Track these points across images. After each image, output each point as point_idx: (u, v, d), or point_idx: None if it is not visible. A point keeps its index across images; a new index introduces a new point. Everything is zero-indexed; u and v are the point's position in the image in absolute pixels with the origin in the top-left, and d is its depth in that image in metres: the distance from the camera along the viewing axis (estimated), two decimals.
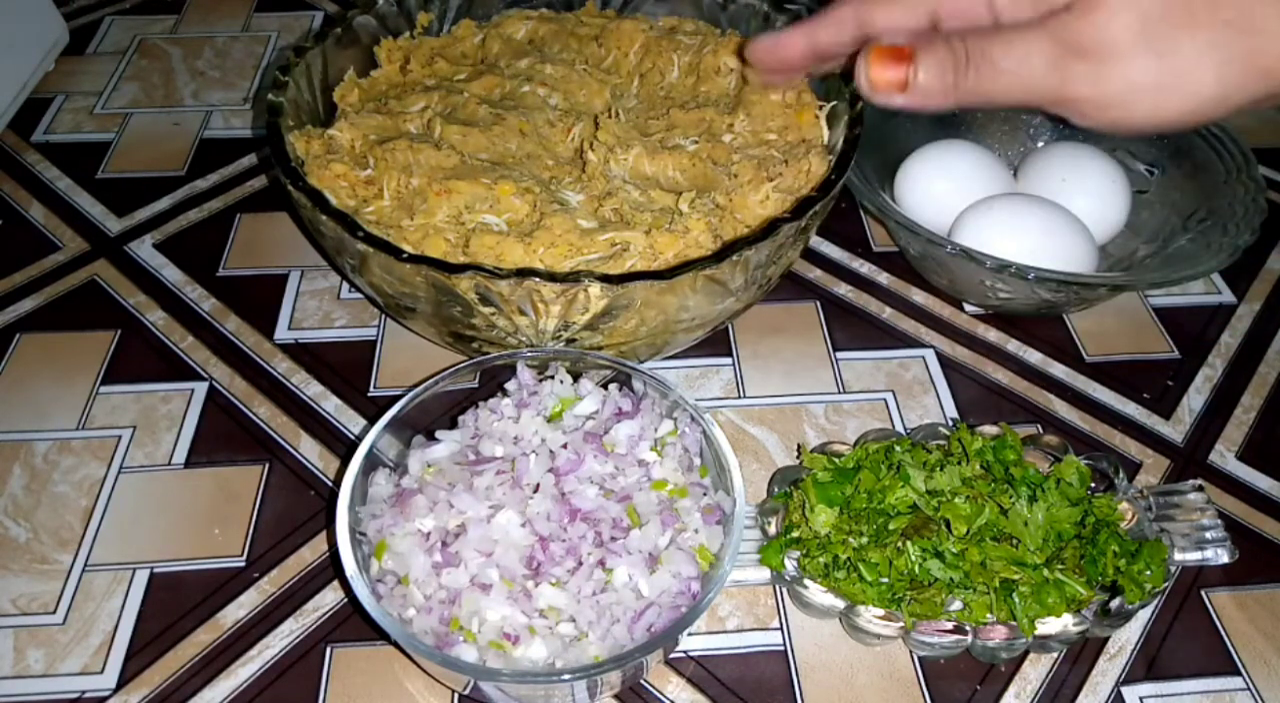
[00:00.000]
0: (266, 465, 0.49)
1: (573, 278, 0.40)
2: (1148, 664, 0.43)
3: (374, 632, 0.42)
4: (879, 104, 0.38)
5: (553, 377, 0.44)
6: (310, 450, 0.49)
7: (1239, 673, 0.42)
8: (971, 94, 0.36)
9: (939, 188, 0.57)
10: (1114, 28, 0.33)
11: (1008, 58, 0.35)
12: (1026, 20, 0.36)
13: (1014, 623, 0.40)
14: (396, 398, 0.42)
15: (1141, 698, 0.42)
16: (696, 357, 0.55)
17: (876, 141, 0.57)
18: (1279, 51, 0.32)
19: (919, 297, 0.59)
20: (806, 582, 0.41)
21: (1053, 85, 0.35)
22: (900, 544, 0.41)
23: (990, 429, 0.46)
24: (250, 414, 0.51)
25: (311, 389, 0.52)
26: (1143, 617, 0.44)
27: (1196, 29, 0.32)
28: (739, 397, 0.53)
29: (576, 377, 0.44)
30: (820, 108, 0.54)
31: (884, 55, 0.37)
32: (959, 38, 0.36)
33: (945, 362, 0.55)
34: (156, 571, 0.45)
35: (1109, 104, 0.35)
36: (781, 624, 0.44)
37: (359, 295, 0.57)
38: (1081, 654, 0.43)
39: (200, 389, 0.52)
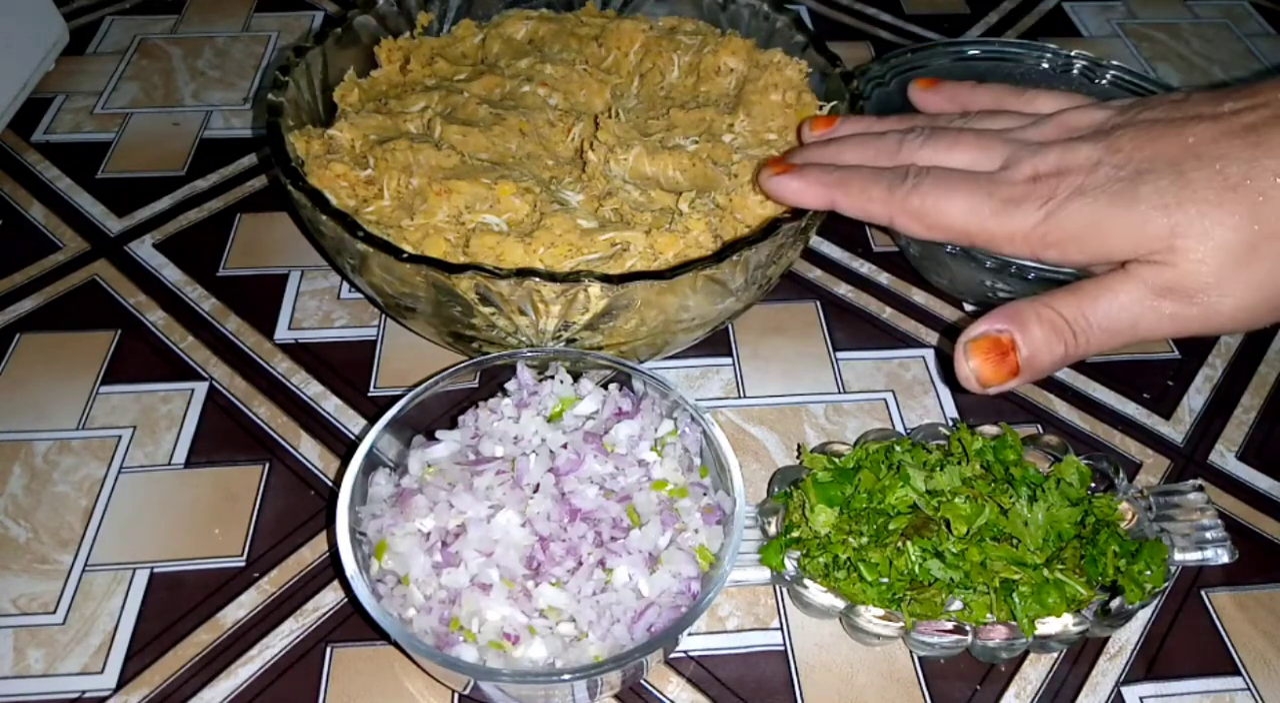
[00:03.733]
0: (266, 465, 0.49)
1: (573, 278, 0.40)
2: (1148, 664, 0.43)
3: (374, 632, 0.42)
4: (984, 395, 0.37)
5: (553, 377, 0.44)
6: (310, 450, 0.49)
7: (1239, 673, 0.42)
8: (1085, 356, 0.36)
9: None
10: (1203, 272, 0.33)
11: (1110, 317, 0.35)
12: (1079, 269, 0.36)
13: (1014, 623, 0.40)
14: (396, 398, 0.42)
15: (1141, 698, 0.42)
16: (696, 357, 0.55)
17: None
18: None
19: (919, 297, 0.59)
20: (806, 582, 0.41)
21: (1164, 331, 0.35)
22: (900, 544, 0.41)
23: (990, 429, 0.46)
24: (250, 414, 0.51)
25: (311, 389, 0.52)
26: (1143, 617, 0.44)
27: None
28: (739, 397, 0.53)
29: (576, 377, 0.44)
30: (821, 108, 0.54)
31: (986, 350, 0.36)
32: (1047, 307, 0.36)
33: (945, 362, 0.55)
34: (156, 571, 0.45)
35: (1225, 328, 0.35)
36: (781, 624, 0.44)
37: (359, 295, 0.57)
38: (1081, 654, 0.43)
39: (200, 389, 0.52)
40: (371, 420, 0.46)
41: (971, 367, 0.36)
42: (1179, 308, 0.34)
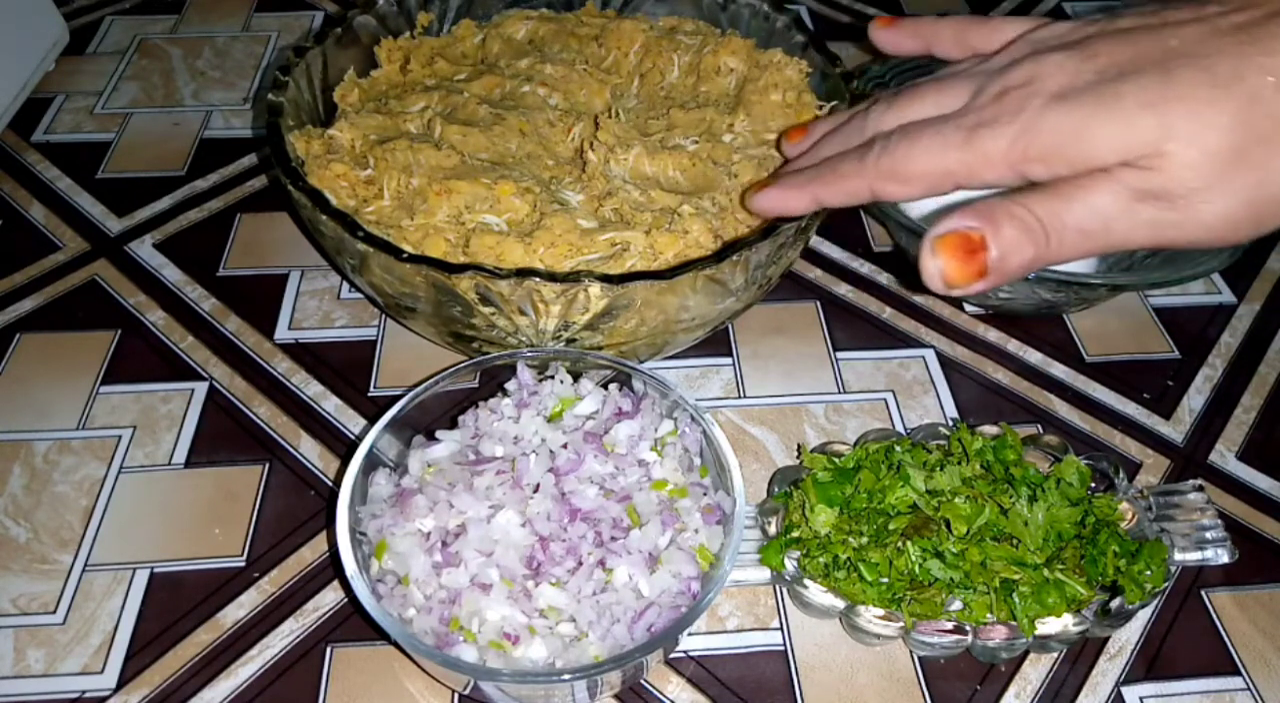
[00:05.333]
0: (266, 465, 0.49)
1: (573, 278, 0.40)
2: (1148, 664, 0.43)
3: (374, 632, 0.42)
4: (953, 297, 0.34)
5: (553, 377, 0.44)
6: (310, 450, 0.49)
7: (1239, 673, 0.42)
8: (1054, 262, 0.34)
9: None
10: (1190, 177, 0.31)
11: (1087, 218, 0.32)
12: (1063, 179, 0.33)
13: (1014, 623, 0.40)
14: (396, 398, 0.42)
15: (1141, 698, 0.42)
16: (696, 357, 0.55)
17: None
18: None
19: (919, 297, 0.59)
20: (806, 582, 0.41)
21: (1139, 237, 0.32)
22: (900, 544, 0.41)
23: (990, 429, 0.46)
24: (250, 414, 0.51)
25: (311, 389, 0.52)
26: (1143, 617, 0.44)
27: (1272, 160, 0.30)
28: (739, 397, 0.53)
29: (576, 377, 0.44)
30: (821, 108, 0.54)
31: (954, 247, 0.33)
32: (1020, 205, 0.33)
33: (945, 362, 0.55)
34: (156, 571, 0.45)
35: (1201, 238, 0.33)
36: (781, 624, 0.44)
37: (359, 295, 0.57)
38: (1081, 654, 0.43)
39: (200, 389, 0.52)
40: (371, 420, 0.46)
41: (938, 265, 0.33)
42: (1158, 213, 0.32)
